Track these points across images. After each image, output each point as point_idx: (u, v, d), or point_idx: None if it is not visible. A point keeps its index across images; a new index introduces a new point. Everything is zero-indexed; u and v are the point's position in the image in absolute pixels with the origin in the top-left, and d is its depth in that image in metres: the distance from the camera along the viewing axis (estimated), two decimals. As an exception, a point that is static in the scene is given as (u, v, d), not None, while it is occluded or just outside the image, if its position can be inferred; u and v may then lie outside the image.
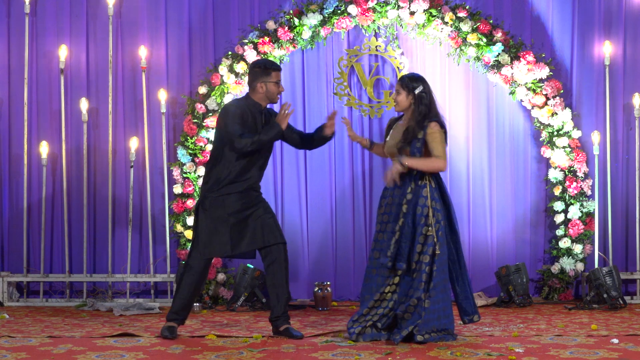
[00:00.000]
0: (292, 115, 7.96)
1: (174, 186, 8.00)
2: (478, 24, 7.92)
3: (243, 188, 6.11)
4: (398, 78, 6.19)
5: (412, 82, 6.06)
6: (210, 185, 6.13)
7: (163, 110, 8.06)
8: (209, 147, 7.90)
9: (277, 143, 8.12)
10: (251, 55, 7.89)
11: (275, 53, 7.96)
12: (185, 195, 7.95)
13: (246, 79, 7.92)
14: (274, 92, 6.16)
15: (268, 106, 6.29)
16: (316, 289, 7.75)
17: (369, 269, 6.16)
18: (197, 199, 6.28)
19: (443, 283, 5.92)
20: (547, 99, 7.94)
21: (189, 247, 6.24)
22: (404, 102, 6.07)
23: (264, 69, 6.15)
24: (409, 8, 7.89)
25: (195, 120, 7.93)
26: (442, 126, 6.02)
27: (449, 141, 8.01)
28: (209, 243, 6.08)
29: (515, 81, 7.95)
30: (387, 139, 6.22)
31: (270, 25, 7.98)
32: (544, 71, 7.91)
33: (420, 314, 5.83)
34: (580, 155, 7.95)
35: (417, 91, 6.02)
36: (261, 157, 6.19)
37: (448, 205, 6.06)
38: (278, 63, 6.28)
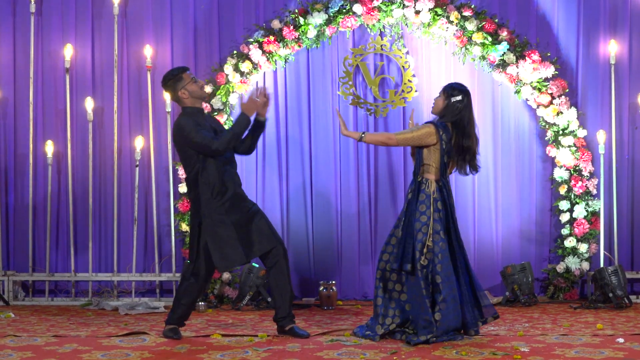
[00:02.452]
0: (297, 114, 8.04)
1: (179, 185, 8.00)
2: (483, 23, 7.91)
3: (233, 192, 6.09)
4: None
5: (453, 90, 6.14)
6: (207, 199, 6.03)
7: (168, 109, 8.06)
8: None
9: (282, 142, 8.14)
10: (256, 55, 7.89)
11: (281, 52, 7.96)
12: (190, 195, 7.95)
13: (251, 78, 7.98)
14: (196, 89, 6.13)
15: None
16: (321, 288, 7.75)
17: (379, 262, 6.21)
18: (193, 216, 6.21)
19: (452, 294, 5.94)
20: (553, 98, 7.93)
21: (190, 256, 6.18)
22: (438, 106, 6.16)
23: (174, 78, 6.13)
24: (414, 7, 7.89)
25: (201, 120, 7.93)
26: (438, 133, 6.01)
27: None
28: (225, 256, 6.04)
29: (521, 80, 7.94)
30: None
31: (276, 24, 7.98)
32: (550, 70, 7.90)
33: (433, 323, 5.85)
34: (585, 154, 7.94)
35: (453, 99, 6.09)
36: (225, 160, 6.13)
37: (449, 215, 6.08)
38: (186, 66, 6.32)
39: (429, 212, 5.98)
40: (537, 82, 7.91)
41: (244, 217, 6.08)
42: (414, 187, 6.09)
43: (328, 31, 8.00)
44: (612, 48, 8.00)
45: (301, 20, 7.92)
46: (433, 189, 6.04)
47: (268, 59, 7.96)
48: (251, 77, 7.99)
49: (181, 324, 6.23)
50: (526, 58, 7.88)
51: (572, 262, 7.92)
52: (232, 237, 6.03)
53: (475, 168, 6.21)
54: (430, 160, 6.06)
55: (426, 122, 6.15)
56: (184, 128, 6.00)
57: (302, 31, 7.94)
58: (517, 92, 8.00)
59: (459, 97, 6.08)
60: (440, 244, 5.96)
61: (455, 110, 6.07)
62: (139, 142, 8.09)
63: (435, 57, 8.15)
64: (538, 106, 7.97)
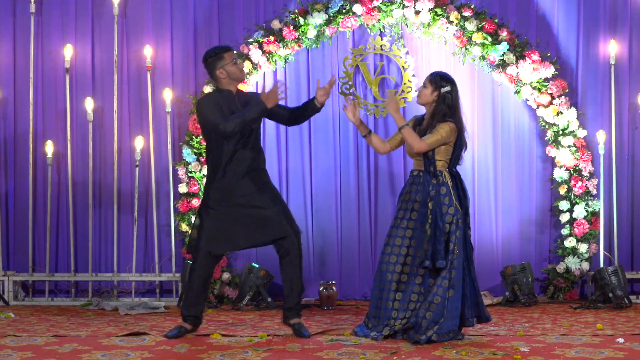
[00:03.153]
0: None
1: (179, 185, 8.00)
2: (483, 23, 7.91)
3: (243, 171, 6.05)
4: (430, 73, 6.20)
5: (441, 80, 6.07)
6: (208, 176, 6.12)
7: (168, 109, 8.06)
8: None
9: (282, 142, 8.14)
10: (256, 55, 7.90)
11: (281, 52, 7.96)
12: (190, 195, 7.96)
13: (251, 78, 7.97)
14: (235, 71, 6.10)
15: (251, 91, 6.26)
16: (321, 288, 7.75)
17: (381, 264, 6.15)
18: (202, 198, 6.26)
19: (458, 283, 5.92)
20: (553, 98, 7.93)
21: (191, 248, 6.19)
22: (427, 97, 6.07)
23: (215, 56, 6.11)
24: (414, 7, 7.89)
25: (201, 120, 7.93)
26: (459, 130, 6.05)
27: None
28: (215, 239, 6.05)
29: (521, 80, 7.94)
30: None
31: (276, 24, 7.98)
32: (549, 70, 7.90)
33: (443, 313, 5.84)
34: (585, 154, 7.94)
35: (443, 90, 6.05)
36: (246, 137, 6.06)
37: (465, 207, 6.08)
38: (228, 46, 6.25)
39: (453, 201, 6.00)
40: (537, 82, 7.92)
41: (249, 204, 6.04)
42: (435, 184, 6.02)
43: (328, 31, 8.00)
44: (612, 48, 8.01)
45: (301, 20, 7.92)
46: (449, 178, 6.05)
47: (268, 59, 7.96)
48: (251, 77, 7.99)
49: (193, 320, 6.19)
50: (526, 58, 7.88)
51: (572, 262, 7.92)
52: (228, 221, 6.03)
53: (458, 161, 6.21)
54: (440, 155, 6.05)
55: (448, 121, 6.02)
56: (202, 106, 6.03)
57: (302, 31, 7.94)
58: (517, 92, 8.01)
59: (448, 88, 6.06)
60: (457, 233, 5.98)
61: (447, 101, 6.03)
62: (139, 142, 8.09)
63: (435, 57, 8.15)
64: (538, 106, 7.98)
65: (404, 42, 8.13)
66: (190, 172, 7.95)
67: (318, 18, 7.91)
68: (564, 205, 7.98)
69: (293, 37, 7.93)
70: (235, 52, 6.18)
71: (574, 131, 7.95)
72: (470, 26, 7.88)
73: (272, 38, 7.93)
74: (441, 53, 8.13)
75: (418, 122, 6.20)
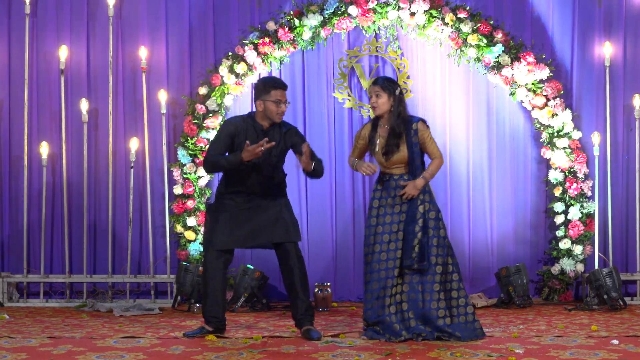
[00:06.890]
0: (292, 116, 8.03)
1: (174, 187, 8.00)
2: (478, 24, 7.92)
3: (247, 194, 6.08)
4: (372, 82, 6.15)
5: (391, 84, 6.11)
6: (220, 187, 6.17)
7: (163, 110, 8.06)
8: (209, 147, 7.93)
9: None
10: (251, 56, 7.90)
11: (276, 54, 7.96)
12: (185, 196, 7.95)
13: (246, 79, 7.97)
14: (273, 111, 5.96)
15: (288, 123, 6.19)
16: (316, 289, 7.75)
17: (373, 264, 6.27)
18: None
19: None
20: (548, 100, 7.94)
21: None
22: (385, 105, 6.08)
23: (263, 87, 6.00)
24: (409, 9, 7.90)
25: (196, 121, 7.93)
26: (427, 124, 6.17)
27: (450, 142, 8.07)
28: (212, 237, 6.10)
29: (516, 82, 7.95)
30: (379, 150, 6.16)
31: (271, 26, 7.98)
32: (544, 72, 7.91)
33: (470, 317, 6.04)
34: (580, 156, 7.95)
35: (397, 92, 6.09)
36: (255, 168, 6.02)
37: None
38: (282, 81, 6.07)
39: (435, 205, 6.16)
40: (532, 84, 7.92)
41: (247, 207, 6.08)
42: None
43: (323, 33, 8.00)
44: (606, 50, 8.02)
45: (296, 21, 7.92)
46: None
47: (263, 61, 7.96)
48: (246, 79, 7.99)
49: (213, 322, 6.19)
50: (521, 60, 7.89)
51: (566, 263, 7.92)
52: (225, 220, 6.07)
53: None
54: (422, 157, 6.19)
55: (419, 122, 6.10)
56: (219, 128, 6.23)
57: (297, 33, 7.94)
58: (512, 94, 8.01)
59: (399, 89, 6.12)
60: (442, 232, 6.16)
61: (402, 102, 6.12)
62: (133, 144, 8.08)
63: (430, 58, 8.16)
64: (533, 108, 7.98)
65: (399, 43, 8.13)
66: (185, 174, 7.95)
67: (313, 19, 7.91)
68: (558, 207, 7.99)
69: (288, 39, 7.93)
70: (285, 91, 6.02)
71: (568, 133, 7.96)
72: (466, 28, 7.89)
73: (267, 39, 7.93)
74: (436, 55, 8.14)
75: (370, 133, 6.19)
